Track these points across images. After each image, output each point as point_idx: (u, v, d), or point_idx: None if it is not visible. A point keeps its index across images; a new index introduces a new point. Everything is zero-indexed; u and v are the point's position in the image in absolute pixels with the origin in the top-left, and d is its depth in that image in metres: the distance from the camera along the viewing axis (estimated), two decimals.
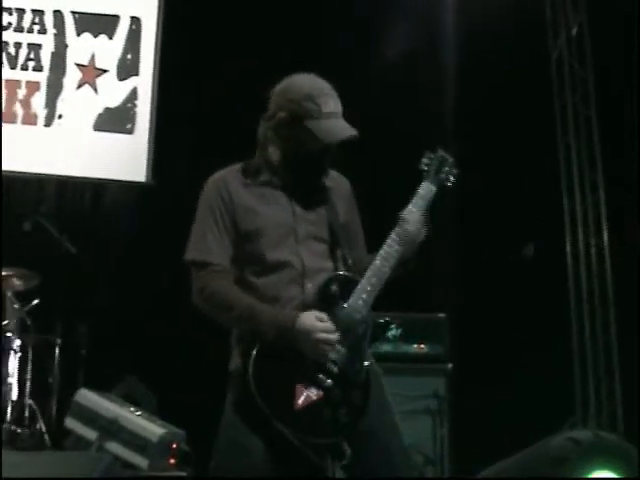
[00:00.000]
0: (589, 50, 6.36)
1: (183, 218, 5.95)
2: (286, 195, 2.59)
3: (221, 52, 6.25)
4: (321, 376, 2.37)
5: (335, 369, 2.38)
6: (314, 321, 2.36)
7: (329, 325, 2.37)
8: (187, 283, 5.38)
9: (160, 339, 5.67)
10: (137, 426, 4.60)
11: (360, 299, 2.45)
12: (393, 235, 2.52)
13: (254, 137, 5.43)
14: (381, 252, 2.50)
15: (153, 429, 4.60)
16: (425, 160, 2.65)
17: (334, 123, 2.51)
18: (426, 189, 2.60)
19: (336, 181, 2.71)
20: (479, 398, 5.40)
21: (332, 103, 2.53)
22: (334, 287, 2.47)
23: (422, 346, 5.42)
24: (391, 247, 2.50)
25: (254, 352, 2.38)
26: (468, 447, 5.27)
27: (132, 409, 4.79)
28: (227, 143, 6.00)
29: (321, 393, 2.36)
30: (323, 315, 2.38)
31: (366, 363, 2.44)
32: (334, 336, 2.37)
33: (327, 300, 2.46)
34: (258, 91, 5.89)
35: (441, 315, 5.52)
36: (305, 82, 2.57)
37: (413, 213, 2.54)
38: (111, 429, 4.58)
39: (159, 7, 6.65)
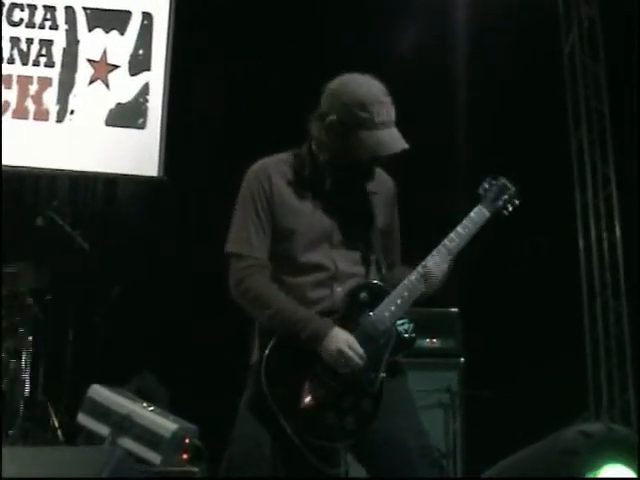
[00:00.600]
0: (601, 44, 6.34)
1: (195, 212, 5.99)
2: (327, 197, 2.56)
3: (233, 46, 6.25)
4: (333, 380, 2.37)
5: (349, 376, 2.38)
6: (345, 342, 2.36)
7: (358, 350, 2.36)
8: (199, 275, 5.40)
9: (172, 334, 5.68)
10: (150, 422, 4.60)
11: (387, 310, 2.44)
12: (435, 257, 2.48)
13: (265, 131, 5.48)
14: (419, 269, 2.47)
15: (166, 424, 4.60)
16: (485, 185, 2.61)
17: (386, 134, 2.46)
18: (479, 214, 2.57)
19: (380, 184, 2.67)
20: (491, 392, 5.38)
21: (385, 112, 2.47)
22: (363, 294, 2.47)
23: (434, 340, 5.42)
24: (437, 262, 2.47)
25: (269, 348, 2.39)
26: (480, 441, 5.27)
27: (145, 405, 4.79)
28: (239, 137, 6.03)
29: (330, 396, 2.36)
30: (354, 340, 2.38)
31: (382, 374, 2.42)
32: (358, 362, 2.36)
33: (354, 306, 2.46)
34: (269, 86, 5.92)
35: (453, 310, 5.52)
36: (360, 87, 2.49)
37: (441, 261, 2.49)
38: (124, 425, 4.57)
39: (170, 2, 6.63)
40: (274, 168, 2.58)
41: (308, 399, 2.36)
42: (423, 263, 2.47)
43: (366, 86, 2.49)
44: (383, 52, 6.17)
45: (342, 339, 2.37)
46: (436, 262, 2.47)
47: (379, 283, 2.52)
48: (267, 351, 2.38)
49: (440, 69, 6.25)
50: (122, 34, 6.62)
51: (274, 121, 5.87)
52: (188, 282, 5.77)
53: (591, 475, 2.17)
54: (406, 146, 2.46)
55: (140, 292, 5.80)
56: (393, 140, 2.47)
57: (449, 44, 6.37)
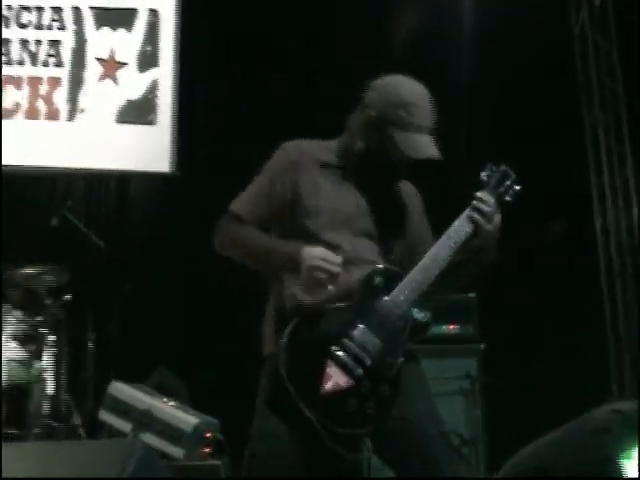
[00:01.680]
0: (612, 22, 6.27)
1: (208, 206, 5.98)
2: (355, 187, 2.58)
3: (241, 39, 6.24)
4: (352, 365, 2.35)
5: (368, 361, 2.36)
6: (319, 250, 2.37)
7: (333, 256, 2.36)
8: (214, 271, 5.40)
9: (190, 328, 5.68)
10: (171, 416, 4.62)
11: (402, 294, 2.43)
12: (450, 234, 2.48)
13: (276, 126, 5.46)
14: (431, 251, 2.47)
15: (187, 419, 4.62)
16: (486, 172, 2.59)
17: (420, 139, 2.47)
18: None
19: (407, 191, 2.71)
20: (512, 377, 5.37)
21: (425, 116, 2.49)
22: (378, 279, 2.45)
23: (453, 327, 5.39)
24: (443, 248, 2.46)
25: (286, 336, 2.37)
26: (502, 427, 5.25)
27: (165, 400, 4.81)
28: (250, 131, 6.02)
29: (350, 382, 2.34)
30: (328, 251, 2.38)
31: (400, 359, 2.41)
32: (335, 268, 2.35)
33: (370, 291, 2.44)
34: (280, 79, 5.91)
35: (471, 295, 5.49)
36: (402, 87, 2.52)
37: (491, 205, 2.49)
38: (145, 420, 4.60)
39: None
40: (307, 147, 2.63)
41: (330, 384, 2.33)
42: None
43: (409, 87, 2.52)
44: (386, 40, 6.14)
45: (317, 252, 2.37)
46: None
47: (393, 268, 2.51)
48: (283, 339, 2.37)
49: (447, 54, 6.21)
50: (129, 31, 6.63)
51: (285, 115, 5.87)
52: (204, 275, 5.77)
53: (624, 453, 2.13)
54: (437, 155, 2.48)
55: (156, 288, 5.81)
56: (424, 146, 2.48)
57: (458, 26, 6.32)
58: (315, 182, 2.55)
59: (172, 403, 4.79)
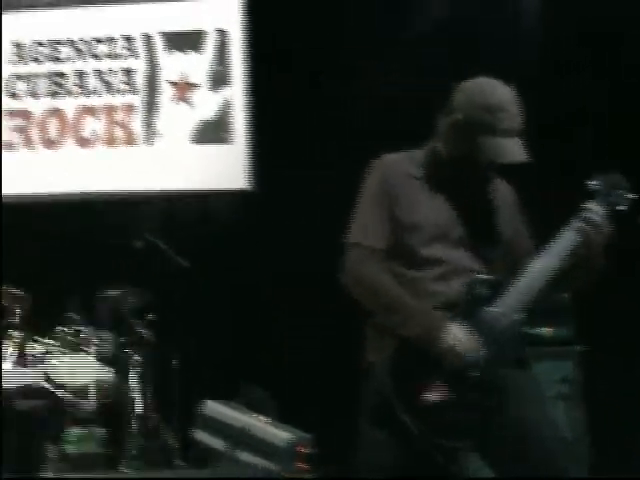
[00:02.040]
0: None
1: (286, 223, 5.97)
2: (446, 195, 2.53)
3: (311, 54, 6.22)
4: (458, 378, 2.29)
5: (474, 372, 2.30)
6: (460, 337, 2.31)
7: (474, 345, 2.30)
8: (296, 288, 5.37)
9: (277, 344, 5.66)
10: (264, 433, 4.61)
11: (507, 304, 2.37)
12: (557, 244, 2.41)
13: (349, 140, 5.40)
14: (538, 260, 2.41)
15: (280, 434, 4.60)
16: (595, 180, 2.49)
17: (508, 143, 2.40)
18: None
19: (500, 190, 2.65)
20: (612, 379, 5.19)
21: (512, 119, 2.42)
22: (481, 288, 2.41)
23: (549, 329, 5.24)
24: (550, 257, 2.40)
25: (391, 346, 2.35)
26: (605, 430, 5.07)
27: (256, 416, 4.80)
28: (324, 146, 6.00)
29: (455, 393, 2.29)
30: (472, 336, 2.32)
31: (506, 369, 2.35)
32: (475, 357, 2.30)
33: (472, 301, 2.40)
34: (351, 92, 5.86)
35: (566, 296, 5.32)
36: (489, 90, 2.46)
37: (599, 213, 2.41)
38: (239, 438, 4.61)
39: (242, 17, 6.71)
40: (397, 162, 2.59)
41: (434, 397, 2.29)
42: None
43: (496, 90, 2.45)
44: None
45: (457, 334, 2.31)
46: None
47: (496, 277, 2.45)
48: (388, 350, 2.35)
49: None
50: (199, 53, 6.75)
51: (357, 129, 5.83)
52: (286, 291, 5.75)
53: None
54: (525, 159, 2.41)
55: (240, 305, 5.81)
56: (513, 150, 2.40)
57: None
58: (408, 197, 2.51)
59: (264, 419, 4.78)
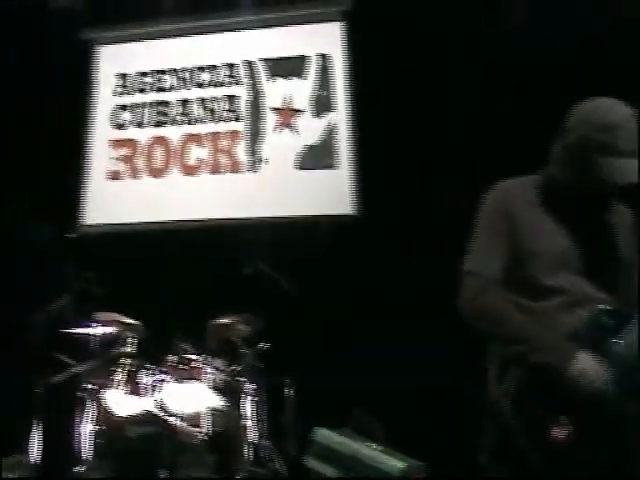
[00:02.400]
0: None
1: (393, 248, 5.89)
2: (566, 220, 2.47)
3: (415, 78, 6.17)
4: (586, 412, 2.20)
5: (605, 407, 2.22)
6: (591, 368, 2.23)
7: (605, 375, 2.23)
8: (410, 314, 5.29)
9: (390, 371, 5.58)
10: (376, 461, 4.57)
11: (634, 336, 2.28)
12: None
13: (456, 164, 5.30)
14: None
15: (393, 463, 4.54)
16: None
17: (627, 163, 2.32)
18: None
19: (619, 214, 2.57)
20: None
21: (630, 139, 2.33)
22: (606, 319, 2.33)
23: None
24: None
25: (515, 378, 2.29)
26: None
27: (369, 444, 4.75)
28: (430, 169, 5.92)
29: (586, 430, 2.21)
30: (600, 366, 2.24)
31: (637, 402, 2.25)
32: (605, 389, 2.23)
33: (598, 332, 2.32)
34: (457, 114, 5.76)
35: None
36: (606, 109, 2.39)
37: None
38: (351, 465, 4.57)
39: (344, 41, 6.71)
40: (514, 189, 2.54)
41: (563, 435, 2.20)
42: None
43: (613, 110, 2.37)
44: None
45: (588, 364, 2.23)
46: None
47: (622, 308, 2.36)
48: (512, 382, 2.28)
49: None
50: (302, 78, 6.76)
51: (466, 151, 5.74)
52: (398, 316, 5.68)
53: None
54: None
55: (350, 331, 5.76)
56: (632, 171, 2.32)
57: None
58: (528, 224, 2.46)
59: (376, 447, 4.73)
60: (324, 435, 4.78)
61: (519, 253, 2.44)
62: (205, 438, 4.90)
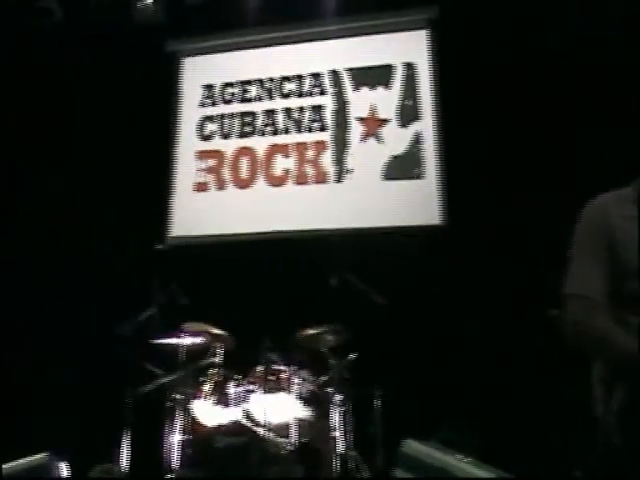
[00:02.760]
0: None
1: (481, 258, 5.82)
2: None
3: (500, 85, 6.09)
4: None
5: None
6: None
7: None
8: (499, 325, 5.20)
9: (479, 382, 5.52)
10: (466, 473, 4.49)
11: None
12: None
13: (545, 172, 5.18)
14: None
15: (483, 476, 4.45)
16: None
17: None
18: None
19: None
20: None
21: None
22: None
23: None
24: None
25: (619, 400, 2.23)
26: None
27: (457, 456, 4.68)
28: (519, 179, 5.82)
29: None
30: None
31: None
32: None
33: None
34: (547, 122, 5.62)
35: None
36: None
37: None
38: (440, 477, 4.51)
39: (430, 50, 6.66)
40: (612, 204, 2.48)
41: None
42: None
43: None
44: None
45: None
46: None
47: None
48: (618, 403, 2.22)
49: None
50: (387, 88, 6.74)
51: (552, 164, 5.64)
52: (484, 325, 5.61)
53: None
54: None
55: (438, 342, 5.72)
56: None
57: None
58: (628, 240, 2.39)
59: (465, 459, 4.65)
60: (412, 446, 4.72)
61: (620, 270, 2.38)
62: (292, 449, 4.92)
